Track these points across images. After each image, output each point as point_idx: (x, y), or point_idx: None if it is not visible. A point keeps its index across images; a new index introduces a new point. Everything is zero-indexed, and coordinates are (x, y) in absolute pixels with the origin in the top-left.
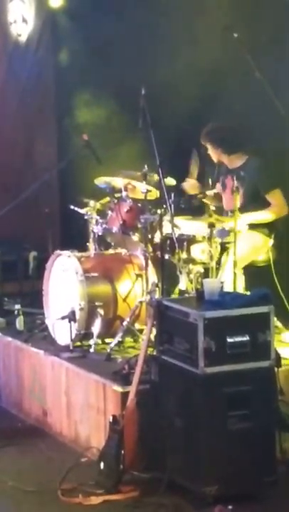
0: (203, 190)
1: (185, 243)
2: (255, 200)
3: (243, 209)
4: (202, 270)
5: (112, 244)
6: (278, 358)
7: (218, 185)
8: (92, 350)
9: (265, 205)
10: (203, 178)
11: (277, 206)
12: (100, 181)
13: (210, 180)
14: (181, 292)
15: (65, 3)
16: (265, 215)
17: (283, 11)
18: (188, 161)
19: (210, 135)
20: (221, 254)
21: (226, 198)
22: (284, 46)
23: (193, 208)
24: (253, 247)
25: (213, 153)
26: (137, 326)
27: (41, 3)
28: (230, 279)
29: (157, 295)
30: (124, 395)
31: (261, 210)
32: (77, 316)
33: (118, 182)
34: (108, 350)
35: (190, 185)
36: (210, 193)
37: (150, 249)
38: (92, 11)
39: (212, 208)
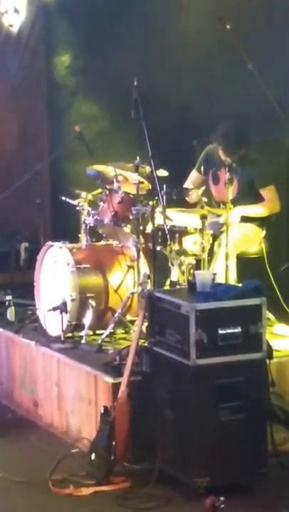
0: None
1: (177, 235)
2: (248, 194)
3: (236, 202)
4: (194, 262)
5: (104, 235)
6: (270, 350)
7: (195, 173)
8: (83, 341)
9: (258, 199)
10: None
11: (270, 202)
12: (91, 169)
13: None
14: (173, 284)
15: None
16: (258, 210)
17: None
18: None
19: (226, 141)
20: (213, 244)
21: (218, 190)
22: (277, 37)
23: (186, 200)
24: (244, 236)
25: (221, 154)
26: (129, 317)
27: None
28: (223, 271)
29: (149, 286)
30: (116, 386)
31: (254, 204)
32: (69, 307)
33: (109, 171)
34: (99, 342)
35: (196, 196)
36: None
37: (142, 240)
38: (84, 1)
39: (204, 199)
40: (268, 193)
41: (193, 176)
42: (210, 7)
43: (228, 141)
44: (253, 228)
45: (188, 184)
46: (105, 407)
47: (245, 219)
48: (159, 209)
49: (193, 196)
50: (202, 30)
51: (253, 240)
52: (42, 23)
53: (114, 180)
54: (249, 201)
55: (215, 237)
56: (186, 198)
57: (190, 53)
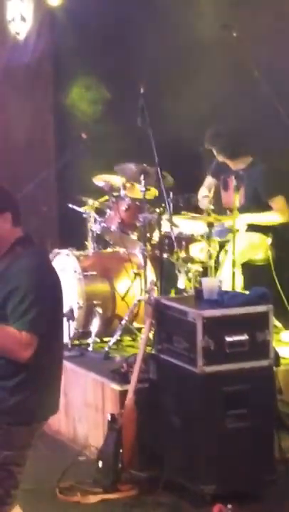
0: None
1: (184, 242)
2: (256, 203)
3: (244, 209)
4: (201, 269)
5: (111, 242)
6: (277, 357)
7: (210, 179)
8: (90, 348)
9: (265, 209)
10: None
11: (280, 211)
12: (99, 180)
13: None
14: (180, 291)
15: (64, 1)
16: (272, 217)
17: (283, 8)
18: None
19: (213, 141)
20: (219, 252)
21: (227, 197)
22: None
23: (192, 207)
24: (250, 244)
25: (218, 156)
26: (136, 324)
27: (40, 2)
28: (229, 278)
29: (156, 294)
30: (123, 394)
31: (262, 212)
32: (76, 315)
33: (116, 180)
34: (106, 349)
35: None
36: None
37: (149, 248)
38: (90, 9)
39: (211, 207)
40: (277, 203)
41: (209, 180)
42: (217, 15)
43: (213, 143)
44: (259, 236)
45: (204, 191)
46: (112, 415)
47: (251, 227)
48: (165, 216)
49: (206, 202)
50: (210, 39)
51: (258, 248)
52: (48, 30)
53: (121, 188)
54: (257, 209)
55: (221, 244)
56: (199, 204)
57: (198, 61)
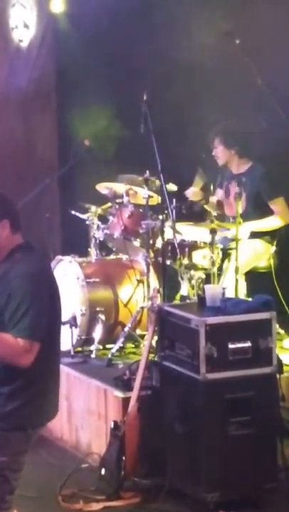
0: (206, 196)
1: (186, 249)
2: (258, 207)
3: (246, 215)
4: (203, 276)
5: (114, 249)
6: (280, 364)
7: (220, 192)
8: (93, 355)
9: (267, 212)
10: (208, 192)
11: (281, 214)
12: (102, 187)
13: (212, 186)
14: (183, 298)
15: (67, 8)
16: (271, 222)
17: (285, 16)
18: (190, 168)
19: (225, 134)
20: (223, 260)
21: (229, 204)
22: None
23: (195, 214)
24: (255, 253)
25: (223, 154)
26: (138, 331)
27: (43, 9)
28: (232, 285)
29: (159, 301)
30: (126, 401)
31: (265, 217)
32: (79, 322)
33: (119, 188)
34: (109, 356)
35: (193, 193)
36: (212, 199)
37: (151, 254)
38: (93, 16)
39: (214, 214)
40: (278, 205)
41: (218, 193)
42: (219, 23)
43: (225, 137)
44: (263, 244)
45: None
46: (115, 422)
47: (254, 235)
48: (168, 223)
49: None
50: (212, 47)
51: (262, 256)
52: (51, 37)
53: (124, 195)
54: (257, 215)
55: (225, 251)
56: (186, 191)
57: (200, 69)
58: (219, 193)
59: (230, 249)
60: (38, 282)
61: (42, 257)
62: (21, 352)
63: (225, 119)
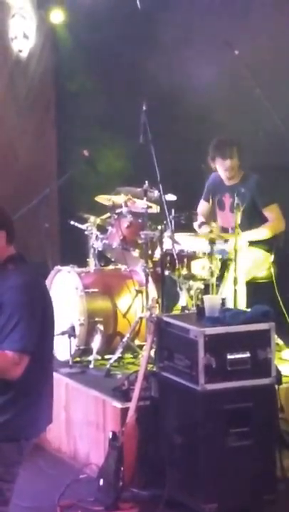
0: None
1: (185, 259)
2: (252, 217)
3: (241, 227)
4: (202, 286)
5: (112, 259)
6: (279, 375)
7: (205, 204)
8: (91, 366)
9: (261, 221)
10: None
11: (274, 221)
12: (101, 199)
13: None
14: (182, 308)
15: (66, 18)
16: (262, 233)
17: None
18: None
19: (223, 146)
20: (222, 270)
21: (223, 216)
22: (285, 61)
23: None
24: (254, 262)
25: (222, 166)
26: (137, 342)
27: (42, 19)
28: (231, 296)
29: (157, 311)
30: (124, 411)
31: (257, 227)
32: (77, 332)
33: (119, 199)
34: (108, 366)
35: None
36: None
37: (150, 265)
38: (93, 26)
39: (213, 224)
40: (271, 212)
41: (203, 206)
42: (218, 33)
43: (223, 148)
44: (262, 253)
45: (200, 218)
46: (114, 432)
47: (253, 244)
48: (167, 233)
49: (204, 229)
50: (210, 56)
51: (262, 265)
52: (51, 48)
53: (123, 205)
54: (254, 225)
55: (224, 261)
56: (196, 229)
57: (199, 77)
58: (204, 206)
59: (230, 259)
60: (30, 294)
61: (34, 268)
62: (11, 364)
63: (225, 131)
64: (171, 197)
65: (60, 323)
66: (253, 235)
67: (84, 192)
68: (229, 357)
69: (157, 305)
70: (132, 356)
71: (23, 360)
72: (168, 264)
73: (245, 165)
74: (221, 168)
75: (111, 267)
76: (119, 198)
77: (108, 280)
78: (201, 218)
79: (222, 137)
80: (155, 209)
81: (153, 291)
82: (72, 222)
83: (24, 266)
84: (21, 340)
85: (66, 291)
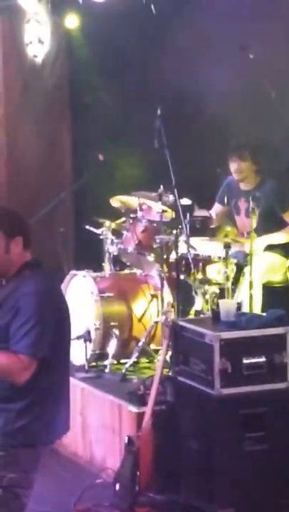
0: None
1: (201, 263)
2: (269, 221)
3: (257, 232)
4: (218, 291)
5: (128, 264)
6: None
7: (219, 207)
8: (107, 370)
9: (279, 226)
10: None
11: None
12: (116, 201)
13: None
14: (197, 313)
15: (81, 24)
16: (280, 238)
17: None
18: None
19: (234, 148)
20: (238, 274)
21: (239, 221)
22: None
23: (209, 229)
24: (270, 265)
25: (232, 167)
26: (153, 346)
27: (57, 24)
28: (247, 300)
29: (173, 315)
30: (140, 416)
31: (277, 231)
32: (93, 336)
33: (134, 202)
34: (123, 371)
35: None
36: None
37: (165, 269)
38: (107, 31)
39: (228, 228)
40: None
41: (216, 208)
42: (233, 37)
43: (243, 151)
44: (278, 258)
45: (212, 213)
46: (130, 437)
47: (269, 248)
48: (182, 238)
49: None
50: (225, 60)
51: (278, 270)
52: (66, 53)
53: (138, 209)
54: (271, 229)
55: (239, 266)
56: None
57: (214, 82)
58: (217, 208)
59: (246, 265)
60: (45, 301)
61: (50, 275)
62: (19, 368)
63: (241, 135)
64: (186, 201)
65: (76, 328)
66: (271, 238)
67: (99, 196)
68: (245, 361)
69: (172, 309)
70: (147, 361)
71: (31, 365)
72: (183, 269)
73: (263, 169)
74: (231, 170)
75: (126, 271)
76: (134, 200)
77: (123, 284)
78: (212, 214)
79: (239, 139)
80: (170, 214)
81: (168, 295)
82: (87, 227)
83: (40, 272)
84: (33, 346)
85: (81, 295)
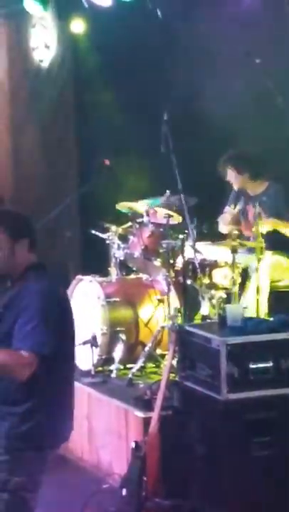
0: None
1: (207, 268)
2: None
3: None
4: (224, 295)
5: (134, 269)
6: None
7: (229, 209)
8: (113, 375)
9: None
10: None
11: None
12: (123, 207)
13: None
14: (204, 318)
15: (87, 29)
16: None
17: None
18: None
19: (234, 161)
20: (245, 278)
21: (246, 226)
22: None
23: (216, 234)
24: (277, 263)
25: (236, 180)
26: (159, 351)
27: (63, 29)
28: (254, 305)
29: (179, 320)
30: (146, 421)
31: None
32: (99, 341)
33: (140, 207)
34: (130, 376)
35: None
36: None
37: (172, 274)
38: (113, 36)
39: (235, 232)
40: None
41: (227, 211)
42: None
43: (235, 163)
44: (285, 260)
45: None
46: (136, 442)
47: (276, 252)
48: (189, 242)
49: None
50: (232, 65)
51: (284, 273)
52: (71, 57)
53: (145, 214)
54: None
55: (246, 270)
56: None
57: (220, 86)
58: (228, 212)
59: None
60: (49, 301)
61: (54, 276)
62: (21, 364)
63: (236, 146)
64: (192, 200)
65: (82, 333)
66: (280, 224)
67: (105, 201)
68: (252, 366)
69: (179, 314)
70: (154, 365)
71: (34, 362)
72: (190, 273)
73: (266, 176)
74: None
75: (133, 276)
76: (141, 207)
77: (130, 289)
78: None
79: (233, 151)
80: (177, 219)
81: (175, 300)
82: (93, 232)
83: (44, 273)
84: (36, 343)
85: (88, 300)
